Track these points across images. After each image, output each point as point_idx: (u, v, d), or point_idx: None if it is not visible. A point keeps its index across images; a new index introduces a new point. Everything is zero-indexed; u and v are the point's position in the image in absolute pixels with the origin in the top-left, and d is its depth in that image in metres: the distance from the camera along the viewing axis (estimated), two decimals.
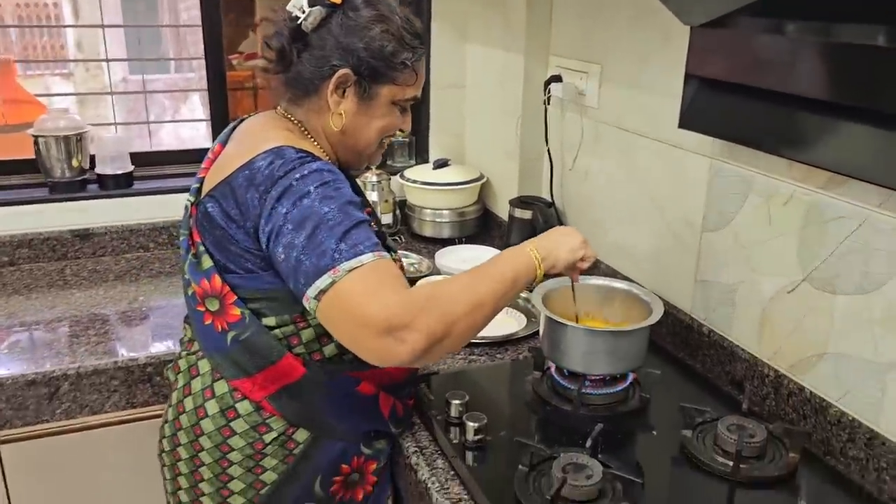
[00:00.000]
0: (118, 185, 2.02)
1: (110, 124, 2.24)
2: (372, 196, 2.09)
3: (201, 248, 1.11)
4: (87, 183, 2.02)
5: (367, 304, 0.93)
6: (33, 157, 1.97)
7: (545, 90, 1.82)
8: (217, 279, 1.09)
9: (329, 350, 1.13)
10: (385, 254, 0.99)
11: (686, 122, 1.34)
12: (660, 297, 1.38)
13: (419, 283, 1.20)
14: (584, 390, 1.30)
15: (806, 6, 1.09)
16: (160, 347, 1.54)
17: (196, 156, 2.15)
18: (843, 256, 1.14)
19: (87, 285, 1.83)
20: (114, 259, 2.00)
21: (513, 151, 2.00)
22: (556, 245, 1.15)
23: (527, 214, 1.88)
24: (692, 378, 1.43)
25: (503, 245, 1.99)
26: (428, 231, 2.15)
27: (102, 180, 2.02)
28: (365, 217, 1.02)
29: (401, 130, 1.22)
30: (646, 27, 1.52)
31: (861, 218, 1.10)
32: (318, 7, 1.09)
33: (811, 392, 1.22)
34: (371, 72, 1.11)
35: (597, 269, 1.70)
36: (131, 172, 2.04)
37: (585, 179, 1.80)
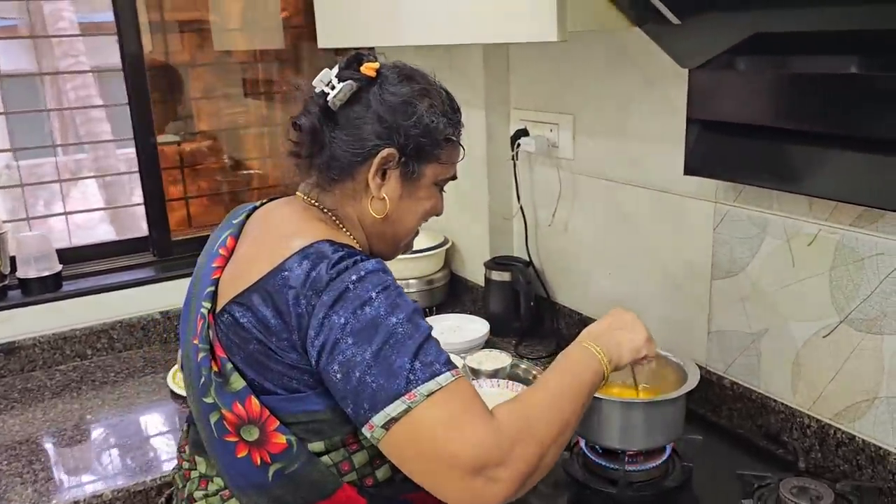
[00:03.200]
0: (44, 289, 1.78)
1: None
2: None
3: (229, 367, 0.92)
4: (7, 289, 1.78)
5: (454, 439, 0.79)
6: None
7: (513, 146, 1.74)
8: (254, 402, 0.90)
9: (382, 473, 0.96)
10: (460, 371, 0.85)
11: (692, 167, 1.27)
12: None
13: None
14: (627, 467, 1.18)
15: (799, 40, 1.05)
16: (124, 478, 1.32)
17: (131, 247, 1.95)
18: (888, 295, 1.08)
19: (20, 408, 1.58)
20: (47, 373, 1.75)
21: (480, 212, 1.90)
22: (619, 345, 1.02)
23: (506, 276, 1.77)
24: (725, 437, 1.34)
25: (479, 310, 1.88)
26: None
27: (26, 284, 1.78)
28: (431, 326, 0.88)
29: (436, 215, 1.09)
30: (622, 74, 1.46)
31: None
32: (349, 82, 0.96)
33: (864, 440, 1.14)
34: (417, 151, 0.99)
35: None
36: (59, 273, 1.81)
37: (565, 233, 1.71)
